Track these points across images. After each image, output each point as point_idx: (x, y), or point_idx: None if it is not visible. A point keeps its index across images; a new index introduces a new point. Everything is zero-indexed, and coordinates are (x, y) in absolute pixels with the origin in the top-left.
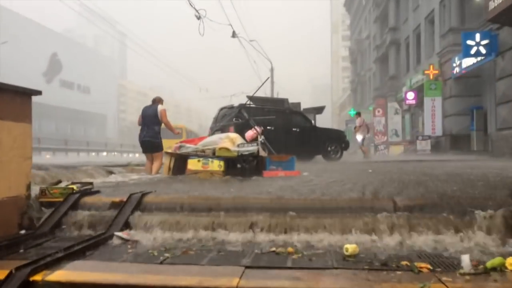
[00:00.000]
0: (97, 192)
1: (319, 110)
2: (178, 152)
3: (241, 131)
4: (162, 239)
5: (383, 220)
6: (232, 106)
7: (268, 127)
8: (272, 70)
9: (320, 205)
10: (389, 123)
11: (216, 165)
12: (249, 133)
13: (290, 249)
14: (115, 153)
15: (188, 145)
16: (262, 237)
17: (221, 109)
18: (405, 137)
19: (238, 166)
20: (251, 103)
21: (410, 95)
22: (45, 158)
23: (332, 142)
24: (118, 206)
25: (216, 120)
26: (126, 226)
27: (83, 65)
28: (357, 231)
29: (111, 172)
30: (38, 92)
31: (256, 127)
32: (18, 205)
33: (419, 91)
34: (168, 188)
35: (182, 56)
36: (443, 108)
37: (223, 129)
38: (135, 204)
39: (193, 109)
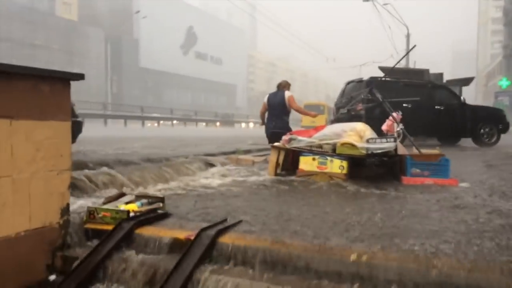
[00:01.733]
0: (165, 216)
1: (466, 82)
2: (287, 146)
3: (371, 117)
4: None
5: None
6: (361, 79)
7: (404, 105)
8: (408, 36)
9: None
10: None
11: (336, 165)
12: (386, 125)
13: None
14: (243, 124)
15: (300, 137)
16: None
17: (348, 82)
18: None
19: (366, 168)
20: (384, 77)
21: None
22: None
23: (486, 123)
24: (183, 246)
25: (342, 95)
26: None
27: (216, 37)
28: None
29: (211, 165)
30: (79, 76)
31: (394, 113)
32: (46, 239)
33: None
34: (265, 207)
35: (310, 25)
36: None
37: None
38: (205, 247)
39: (320, 80)
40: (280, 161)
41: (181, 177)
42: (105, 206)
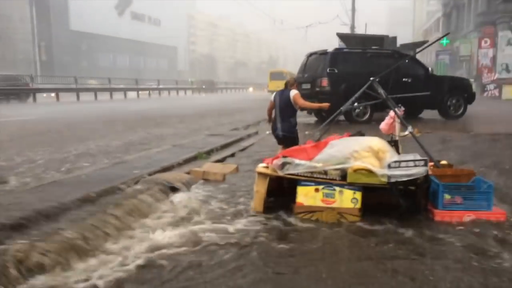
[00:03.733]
0: None
1: (420, 45)
2: (281, 173)
3: (336, 93)
4: None
5: None
6: (324, 51)
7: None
8: None
9: None
10: (499, 56)
11: (348, 198)
12: (385, 124)
13: None
14: (186, 91)
15: (297, 160)
16: None
17: (310, 54)
18: None
19: (387, 200)
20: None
21: None
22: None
23: (453, 94)
24: None
25: (303, 68)
26: None
27: None
28: None
29: (173, 188)
30: None
31: (397, 108)
32: None
33: None
34: None
35: None
36: None
37: (312, 82)
38: None
39: (263, 40)
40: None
41: (127, 231)
42: None
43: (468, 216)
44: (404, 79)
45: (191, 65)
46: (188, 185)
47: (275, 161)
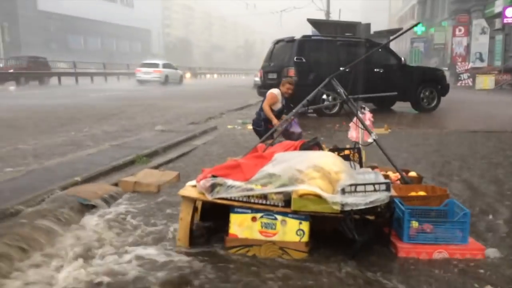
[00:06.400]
0: None
1: (394, 32)
2: (210, 198)
3: (305, 84)
4: None
5: None
6: (292, 38)
7: (341, 68)
8: None
9: None
10: (473, 45)
11: (292, 230)
12: (353, 130)
13: None
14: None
15: (230, 181)
16: None
17: (277, 42)
18: (492, 62)
19: (342, 232)
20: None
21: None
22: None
23: (426, 85)
24: None
25: (270, 56)
26: None
27: None
28: None
29: (91, 206)
30: None
31: (362, 110)
32: None
33: None
34: None
35: None
36: None
37: (279, 72)
38: None
39: (239, 24)
40: (196, 218)
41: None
42: None
43: (439, 253)
44: (375, 70)
45: (166, 49)
46: (111, 201)
47: (202, 181)
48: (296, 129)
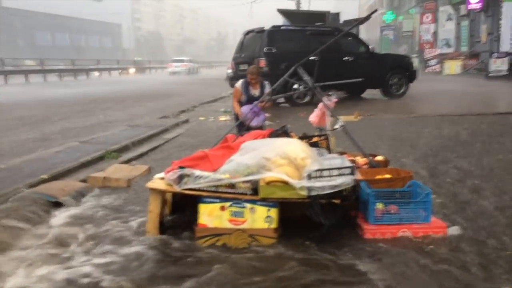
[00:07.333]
0: None
1: (364, 20)
2: (178, 189)
3: (276, 74)
4: None
5: None
6: (261, 29)
7: (311, 58)
8: None
9: None
10: (440, 31)
11: (261, 217)
12: (315, 116)
13: None
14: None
15: (197, 171)
16: None
17: (247, 33)
18: (459, 48)
19: (308, 216)
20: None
21: None
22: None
23: (394, 72)
24: None
25: (241, 47)
26: None
27: None
28: None
29: (57, 203)
30: None
31: (327, 97)
32: None
33: None
34: None
35: None
36: None
37: (249, 63)
38: None
39: (211, 17)
40: (166, 211)
41: None
42: None
43: (403, 232)
44: (345, 58)
45: (136, 43)
46: (79, 198)
47: (170, 173)
48: (256, 122)
